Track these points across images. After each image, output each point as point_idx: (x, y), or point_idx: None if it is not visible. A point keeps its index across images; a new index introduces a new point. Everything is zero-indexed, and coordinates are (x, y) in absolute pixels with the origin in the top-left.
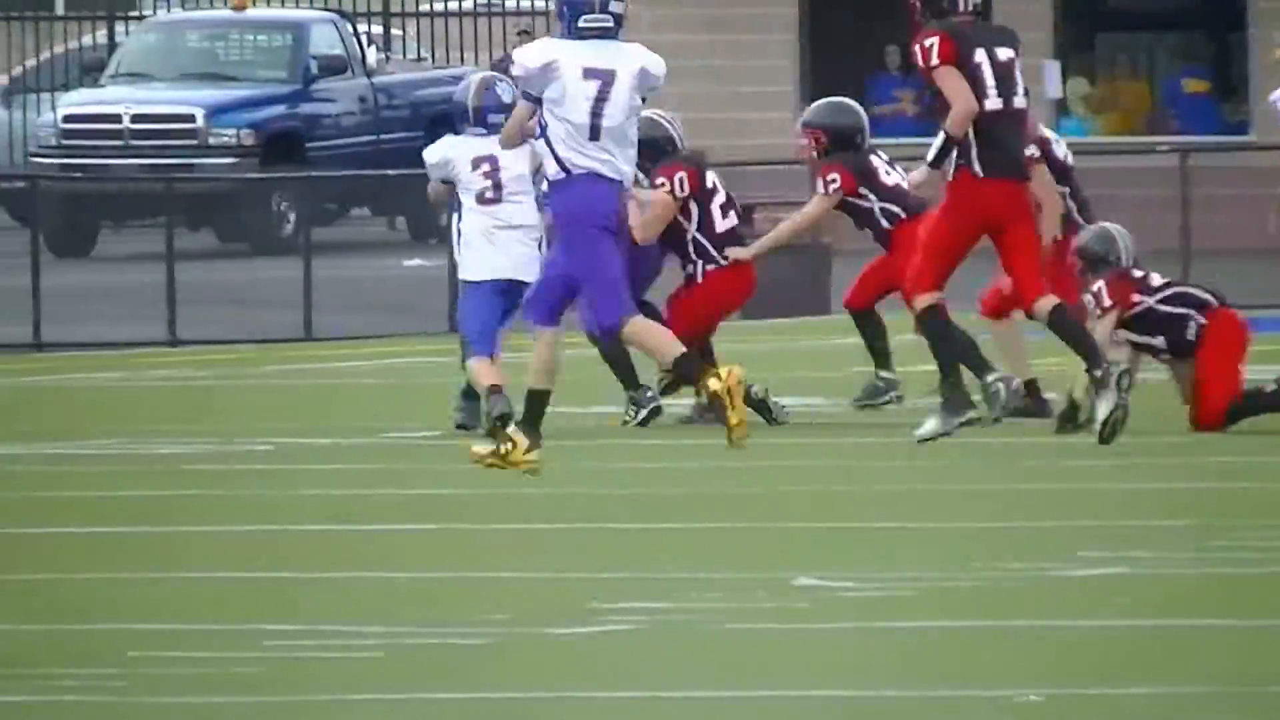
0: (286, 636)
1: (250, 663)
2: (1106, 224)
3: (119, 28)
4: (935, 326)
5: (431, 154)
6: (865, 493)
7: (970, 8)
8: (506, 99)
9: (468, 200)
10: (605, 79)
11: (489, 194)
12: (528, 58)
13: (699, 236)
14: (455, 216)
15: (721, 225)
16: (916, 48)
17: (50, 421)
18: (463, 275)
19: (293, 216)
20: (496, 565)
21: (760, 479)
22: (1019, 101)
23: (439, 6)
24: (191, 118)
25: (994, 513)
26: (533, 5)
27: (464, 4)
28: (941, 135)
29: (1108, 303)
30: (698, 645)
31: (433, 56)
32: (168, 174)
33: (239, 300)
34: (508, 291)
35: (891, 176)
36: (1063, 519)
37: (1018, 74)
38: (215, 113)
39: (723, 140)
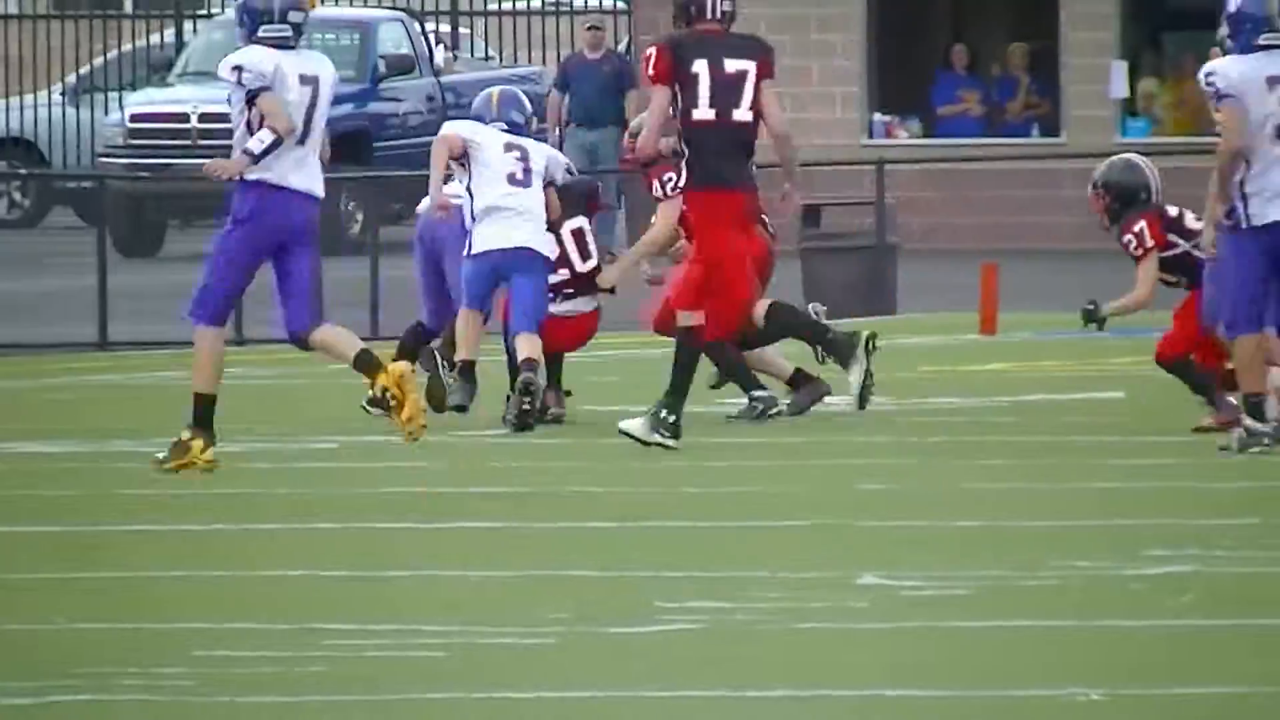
0: (350, 636)
1: (313, 661)
2: (1129, 155)
3: (187, 26)
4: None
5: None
6: (930, 492)
7: (719, 15)
8: (528, 108)
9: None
10: (314, 86)
11: (519, 176)
12: (258, 62)
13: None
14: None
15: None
16: (644, 58)
17: (116, 420)
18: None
19: (360, 216)
20: (558, 564)
21: (824, 477)
22: (739, 114)
23: (507, 5)
24: None
25: (1058, 512)
26: (600, 4)
27: (532, 3)
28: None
29: (1150, 243)
30: (760, 644)
31: (500, 56)
32: None
33: None
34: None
35: None
36: (1127, 518)
37: (748, 87)
38: None
39: None
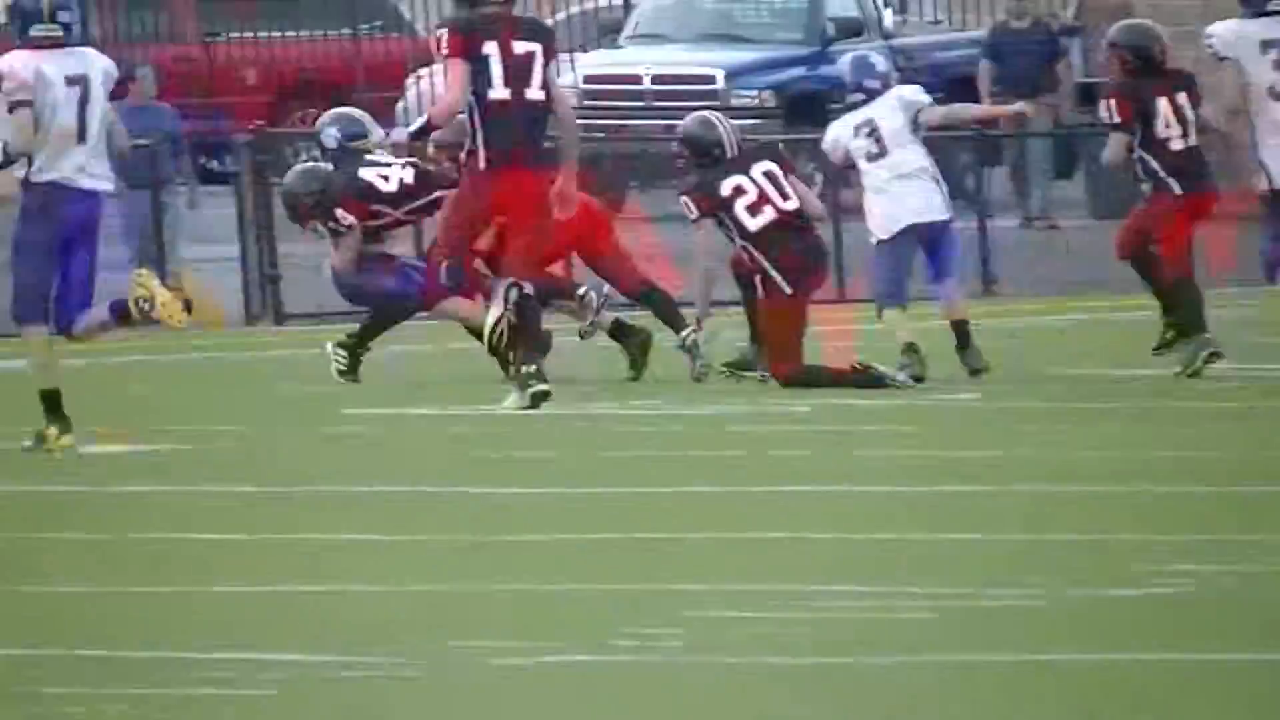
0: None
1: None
2: None
3: None
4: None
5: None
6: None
7: None
8: (880, 68)
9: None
10: (83, 85)
11: (873, 150)
12: (19, 69)
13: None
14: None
15: (754, 225)
16: (432, 38)
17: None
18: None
19: (819, 179)
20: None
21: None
22: (531, 94)
23: None
24: (711, 79)
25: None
26: None
27: None
28: (425, 117)
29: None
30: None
31: (949, 19)
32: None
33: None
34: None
35: None
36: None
37: (537, 67)
38: (735, 74)
39: None
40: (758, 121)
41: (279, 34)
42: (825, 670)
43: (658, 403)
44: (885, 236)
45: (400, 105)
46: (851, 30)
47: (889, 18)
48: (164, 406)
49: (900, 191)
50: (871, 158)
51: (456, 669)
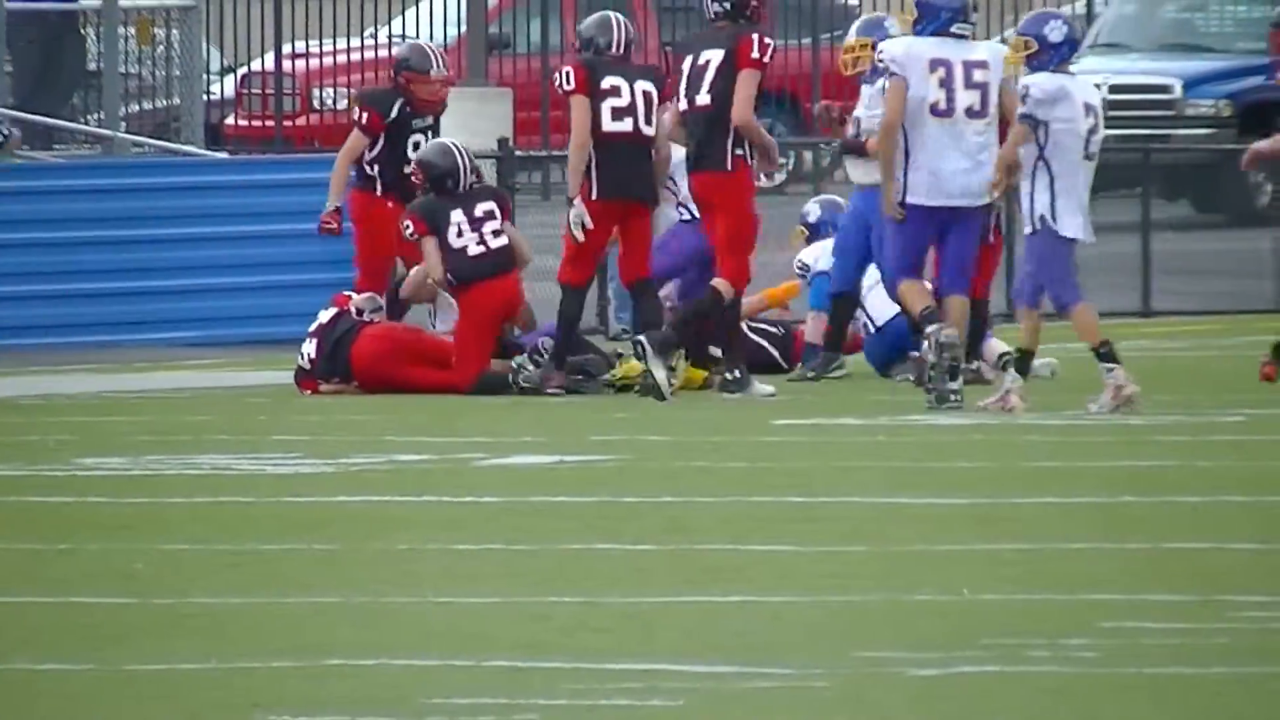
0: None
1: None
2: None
3: None
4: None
5: None
6: None
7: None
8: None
9: None
10: None
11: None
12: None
13: None
14: None
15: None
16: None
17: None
18: None
19: (1269, 189)
20: None
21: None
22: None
23: None
24: (1168, 88)
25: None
26: None
27: None
28: None
29: None
30: None
31: None
32: (1144, 144)
33: (1213, 271)
34: None
35: None
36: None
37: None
38: (1193, 84)
39: None
40: (1212, 131)
41: None
42: (1240, 681)
43: (1077, 413)
44: None
45: (855, 113)
46: None
47: None
48: (603, 421)
49: None
50: None
51: (868, 679)
